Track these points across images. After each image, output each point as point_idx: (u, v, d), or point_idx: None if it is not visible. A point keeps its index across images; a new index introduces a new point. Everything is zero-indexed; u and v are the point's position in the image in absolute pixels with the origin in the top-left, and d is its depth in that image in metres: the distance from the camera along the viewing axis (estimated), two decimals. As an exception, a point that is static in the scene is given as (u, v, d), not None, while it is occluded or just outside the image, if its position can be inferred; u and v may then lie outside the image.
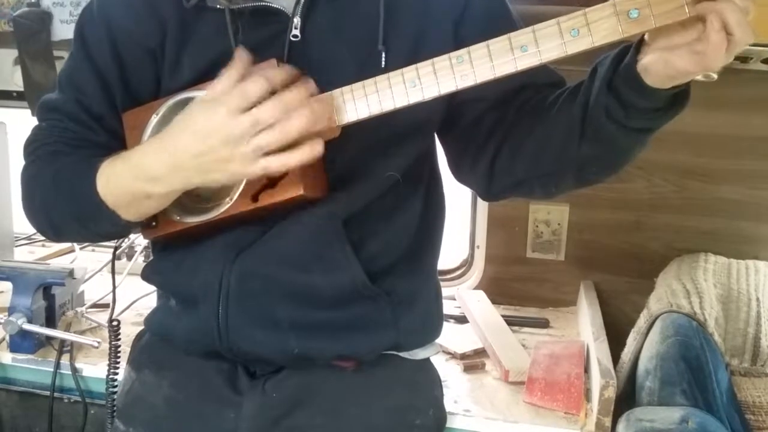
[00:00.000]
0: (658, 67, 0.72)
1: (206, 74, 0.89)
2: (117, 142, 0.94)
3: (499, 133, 0.91)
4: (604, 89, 0.77)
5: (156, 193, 0.84)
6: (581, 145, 0.82)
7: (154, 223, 0.92)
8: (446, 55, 0.78)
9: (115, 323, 1.22)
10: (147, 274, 1.03)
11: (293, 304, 0.93)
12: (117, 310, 1.51)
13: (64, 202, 0.90)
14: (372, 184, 0.94)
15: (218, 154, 0.78)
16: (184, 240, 0.95)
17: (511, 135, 0.90)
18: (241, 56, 0.80)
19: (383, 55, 0.89)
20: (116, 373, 1.23)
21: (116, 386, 1.23)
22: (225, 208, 0.87)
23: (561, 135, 0.84)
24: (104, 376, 1.24)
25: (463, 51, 0.77)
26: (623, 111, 0.77)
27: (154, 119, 0.90)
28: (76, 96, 0.94)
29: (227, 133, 0.76)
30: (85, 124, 0.94)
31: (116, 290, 1.52)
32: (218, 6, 0.90)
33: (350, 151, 0.90)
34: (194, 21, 0.92)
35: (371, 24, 0.90)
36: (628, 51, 0.76)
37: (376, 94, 0.80)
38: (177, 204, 0.89)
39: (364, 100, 0.81)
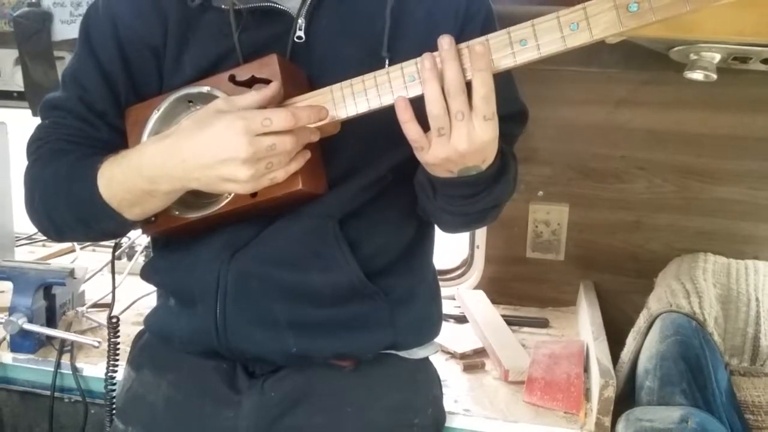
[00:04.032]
0: None
1: (207, 72, 0.90)
2: (120, 139, 0.94)
3: None
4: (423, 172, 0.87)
5: (160, 191, 0.84)
6: (434, 205, 0.91)
7: (153, 219, 0.92)
8: None
9: (114, 320, 1.22)
10: (146, 273, 1.03)
11: (291, 303, 0.93)
12: (117, 310, 1.52)
13: (65, 202, 0.90)
14: (368, 183, 0.94)
15: (227, 170, 0.78)
16: (183, 238, 0.95)
17: None
18: (274, 89, 0.81)
19: (387, 61, 0.89)
20: (115, 371, 1.23)
21: (115, 384, 1.23)
22: (224, 203, 0.87)
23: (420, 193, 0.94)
24: (104, 376, 1.24)
25: (462, 45, 0.77)
26: (433, 192, 0.88)
27: (155, 115, 0.91)
28: (79, 93, 0.94)
29: (243, 153, 0.76)
30: (87, 120, 0.94)
31: (116, 290, 1.52)
32: (223, 6, 0.90)
33: (349, 150, 0.91)
34: (197, 19, 0.92)
35: (377, 29, 0.90)
36: None
37: (375, 89, 0.81)
38: (176, 199, 0.89)
39: (363, 95, 0.81)
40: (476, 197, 0.86)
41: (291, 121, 0.77)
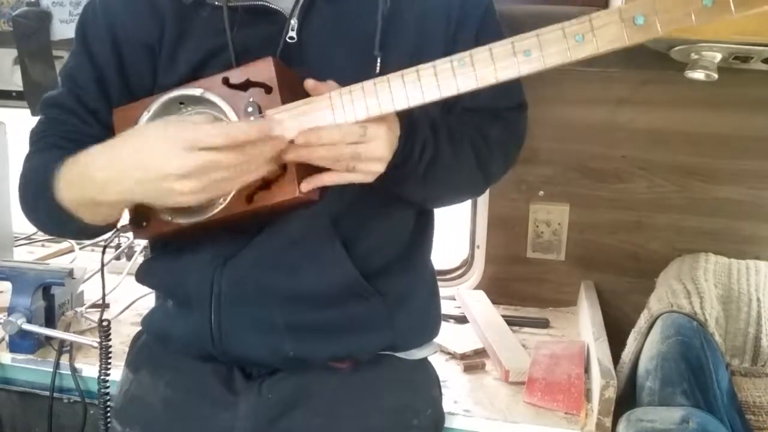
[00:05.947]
0: None
1: (201, 69, 0.90)
2: (111, 136, 0.94)
3: None
4: None
5: (105, 201, 0.82)
6: None
7: (144, 224, 0.89)
8: (448, 58, 0.77)
9: (105, 323, 1.21)
10: (140, 276, 1.03)
11: (287, 306, 0.93)
12: (117, 311, 1.52)
13: (40, 202, 0.89)
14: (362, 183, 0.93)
15: (167, 184, 0.75)
16: (178, 241, 0.95)
17: None
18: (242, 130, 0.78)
19: (379, 60, 0.89)
20: (108, 374, 1.22)
21: (108, 387, 1.22)
22: (218, 209, 0.85)
23: None
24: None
25: (465, 54, 0.76)
26: None
27: (145, 116, 0.88)
28: (74, 90, 0.95)
29: (177, 168, 0.74)
30: (80, 117, 0.95)
31: (116, 290, 1.51)
32: (216, 3, 0.90)
33: None
34: (191, 17, 0.92)
35: (369, 29, 0.90)
36: None
37: (375, 97, 0.79)
38: None
39: (362, 102, 0.80)
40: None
41: (220, 140, 0.74)
